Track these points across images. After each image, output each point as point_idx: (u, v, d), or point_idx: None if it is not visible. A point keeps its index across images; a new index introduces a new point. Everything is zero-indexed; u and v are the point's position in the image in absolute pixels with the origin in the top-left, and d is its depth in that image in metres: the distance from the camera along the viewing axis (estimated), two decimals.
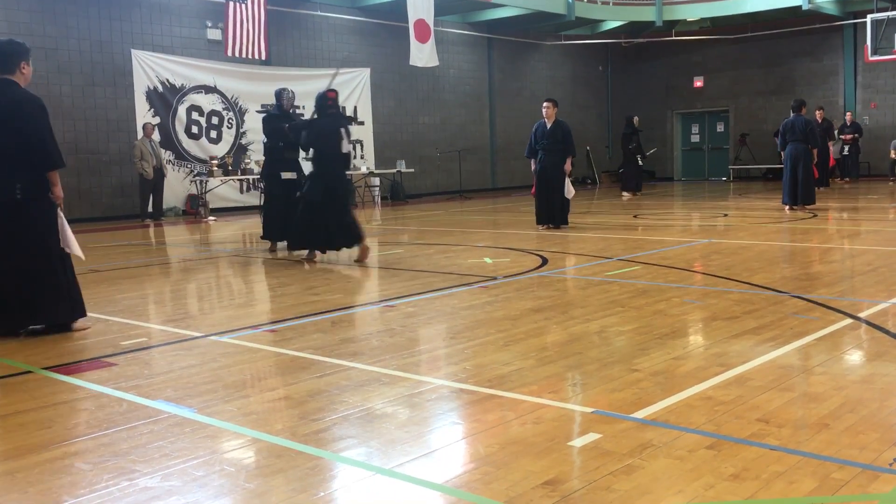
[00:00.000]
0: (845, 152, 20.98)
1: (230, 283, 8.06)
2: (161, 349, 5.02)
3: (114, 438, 3.34)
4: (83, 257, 5.84)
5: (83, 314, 5.59)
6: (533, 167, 11.86)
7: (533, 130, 11.84)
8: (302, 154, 9.69)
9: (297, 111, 18.37)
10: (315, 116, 8.88)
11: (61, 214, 5.47)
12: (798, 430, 3.19)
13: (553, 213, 11.64)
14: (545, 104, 11.71)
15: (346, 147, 8.62)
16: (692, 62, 25.79)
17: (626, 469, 2.84)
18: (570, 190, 11.58)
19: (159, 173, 15.72)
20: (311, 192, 8.64)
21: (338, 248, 8.91)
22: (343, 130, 8.61)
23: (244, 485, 2.83)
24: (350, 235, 8.70)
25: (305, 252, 8.89)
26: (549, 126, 11.60)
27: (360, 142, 20.36)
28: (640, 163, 19.51)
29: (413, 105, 21.80)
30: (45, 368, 4.54)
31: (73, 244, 5.46)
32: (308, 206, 8.59)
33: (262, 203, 10.18)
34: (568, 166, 11.58)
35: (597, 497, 2.63)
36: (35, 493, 2.82)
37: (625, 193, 18.86)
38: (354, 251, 8.81)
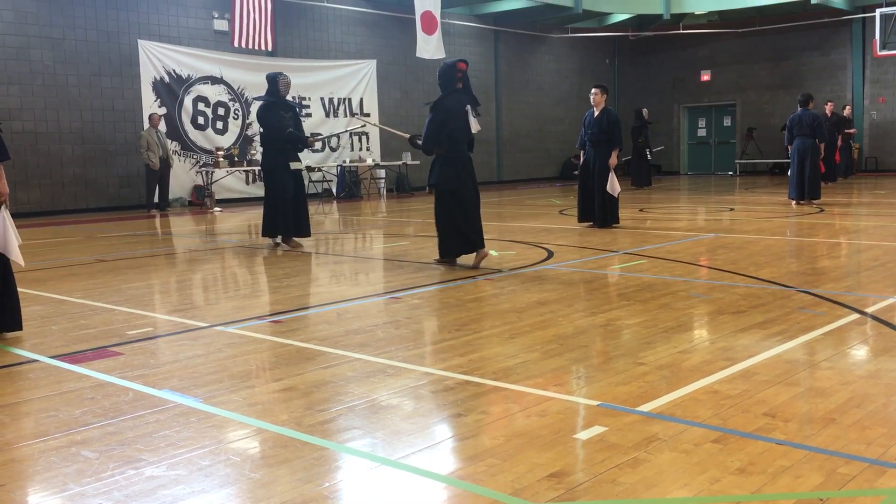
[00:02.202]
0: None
1: (235, 274, 8.07)
2: (167, 339, 5.02)
3: (120, 427, 3.35)
4: (22, 264, 5.13)
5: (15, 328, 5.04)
6: (581, 160, 10.97)
7: (583, 120, 10.94)
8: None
9: (304, 102, 18.53)
10: (441, 95, 7.53)
11: (6, 213, 5.00)
12: (804, 425, 3.18)
13: (597, 211, 10.58)
14: (593, 91, 10.79)
15: (475, 127, 7.50)
16: (699, 56, 25.68)
17: (631, 462, 2.83)
18: (614, 186, 10.49)
19: (165, 164, 15.74)
20: (444, 180, 7.50)
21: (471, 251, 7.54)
22: (470, 108, 7.47)
23: (249, 475, 2.84)
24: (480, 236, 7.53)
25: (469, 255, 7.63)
26: (596, 114, 10.68)
27: (366, 134, 20.34)
28: (649, 157, 19.43)
29: (419, 97, 21.74)
30: (52, 357, 4.55)
31: (13, 248, 4.92)
32: (452, 198, 7.49)
33: (267, 197, 9.43)
34: (613, 159, 10.53)
35: (602, 490, 2.63)
36: (41, 481, 2.83)
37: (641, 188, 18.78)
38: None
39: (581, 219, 10.93)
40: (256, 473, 2.84)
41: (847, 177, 20.53)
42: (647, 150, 19.27)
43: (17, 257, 4.98)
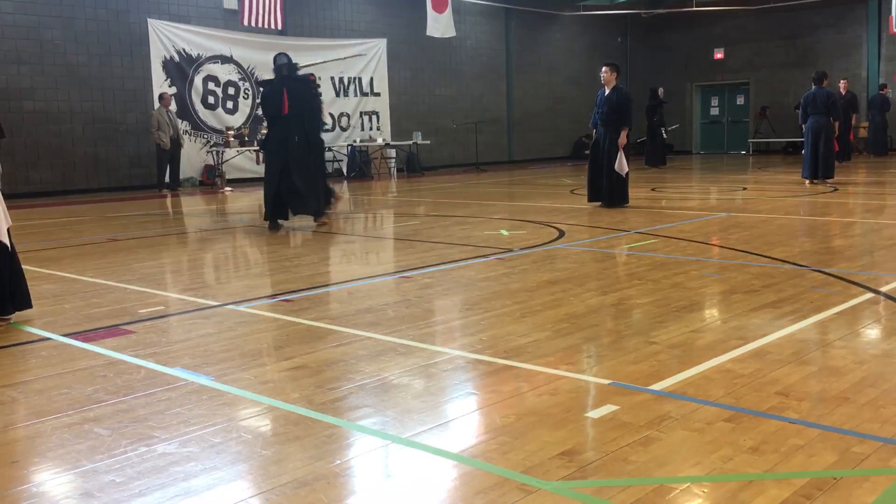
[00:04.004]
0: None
1: (246, 253, 8.08)
2: (178, 317, 5.04)
3: (132, 405, 3.36)
4: (8, 246, 4.92)
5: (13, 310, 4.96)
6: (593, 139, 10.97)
7: (595, 99, 10.93)
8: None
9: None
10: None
11: None
12: (818, 404, 3.16)
13: (605, 191, 10.55)
14: (603, 69, 10.70)
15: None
16: (713, 34, 25.43)
17: (643, 441, 2.82)
18: (622, 165, 10.37)
19: (176, 143, 15.73)
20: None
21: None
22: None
23: (261, 452, 2.84)
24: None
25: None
26: (606, 93, 10.60)
27: (377, 113, 20.28)
28: (664, 136, 19.19)
29: (429, 76, 21.66)
30: (64, 335, 4.57)
31: (2, 229, 4.81)
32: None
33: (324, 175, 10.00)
34: (622, 139, 10.40)
35: (614, 468, 2.62)
36: (54, 458, 2.85)
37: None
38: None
39: (591, 198, 10.85)
40: (268, 451, 2.85)
41: (882, 155, 20.40)
42: (662, 129, 19.07)
43: (2, 237, 4.84)
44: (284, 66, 9.21)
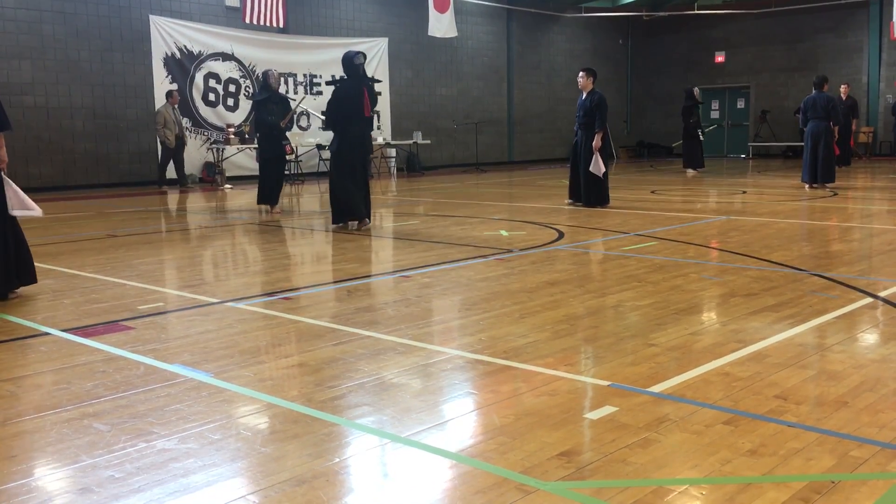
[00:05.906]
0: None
1: (246, 251, 8.08)
2: (178, 314, 5.04)
3: (131, 400, 3.36)
4: (41, 214, 5.77)
5: (22, 284, 5.52)
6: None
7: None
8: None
9: (315, 80, 18.42)
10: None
11: (5, 177, 5.36)
12: (816, 408, 3.16)
13: (583, 192, 10.98)
14: (579, 74, 11.04)
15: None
16: (714, 37, 25.44)
17: (642, 442, 2.83)
18: (598, 166, 10.69)
19: (180, 142, 15.66)
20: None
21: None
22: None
23: (260, 449, 2.84)
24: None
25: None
26: (583, 97, 10.97)
27: (377, 112, 20.26)
28: (702, 137, 18.81)
29: (430, 76, 21.66)
30: (64, 330, 4.57)
31: (29, 203, 5.47)
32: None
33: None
34: (596, 141, 10.74)
35: (612, 469, 2.62)
36: (53, 453, 2.85)
37: (689, 171, 18.13)
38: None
39: (569, 196, 11.39)
40: (267, 448, 2.85)
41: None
42: (699, 130, 18.71)
43: (34, 211, 5.53)
44: (362, 66, 9.07)
